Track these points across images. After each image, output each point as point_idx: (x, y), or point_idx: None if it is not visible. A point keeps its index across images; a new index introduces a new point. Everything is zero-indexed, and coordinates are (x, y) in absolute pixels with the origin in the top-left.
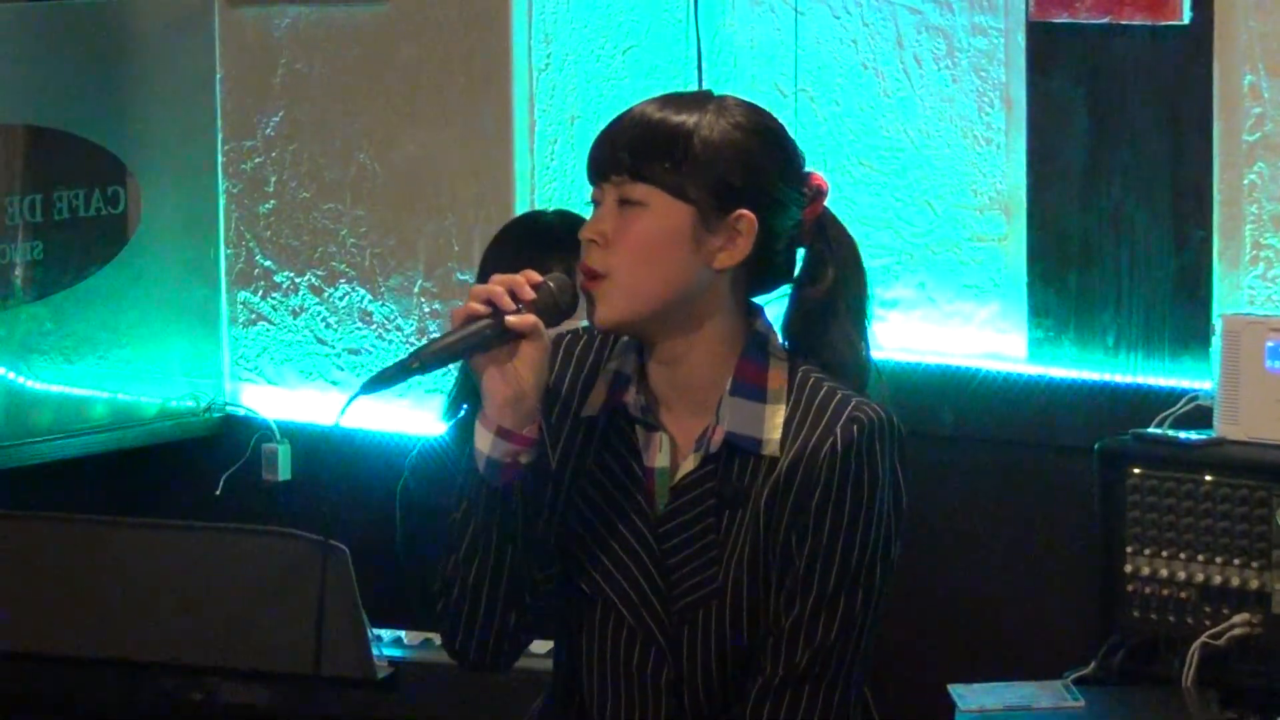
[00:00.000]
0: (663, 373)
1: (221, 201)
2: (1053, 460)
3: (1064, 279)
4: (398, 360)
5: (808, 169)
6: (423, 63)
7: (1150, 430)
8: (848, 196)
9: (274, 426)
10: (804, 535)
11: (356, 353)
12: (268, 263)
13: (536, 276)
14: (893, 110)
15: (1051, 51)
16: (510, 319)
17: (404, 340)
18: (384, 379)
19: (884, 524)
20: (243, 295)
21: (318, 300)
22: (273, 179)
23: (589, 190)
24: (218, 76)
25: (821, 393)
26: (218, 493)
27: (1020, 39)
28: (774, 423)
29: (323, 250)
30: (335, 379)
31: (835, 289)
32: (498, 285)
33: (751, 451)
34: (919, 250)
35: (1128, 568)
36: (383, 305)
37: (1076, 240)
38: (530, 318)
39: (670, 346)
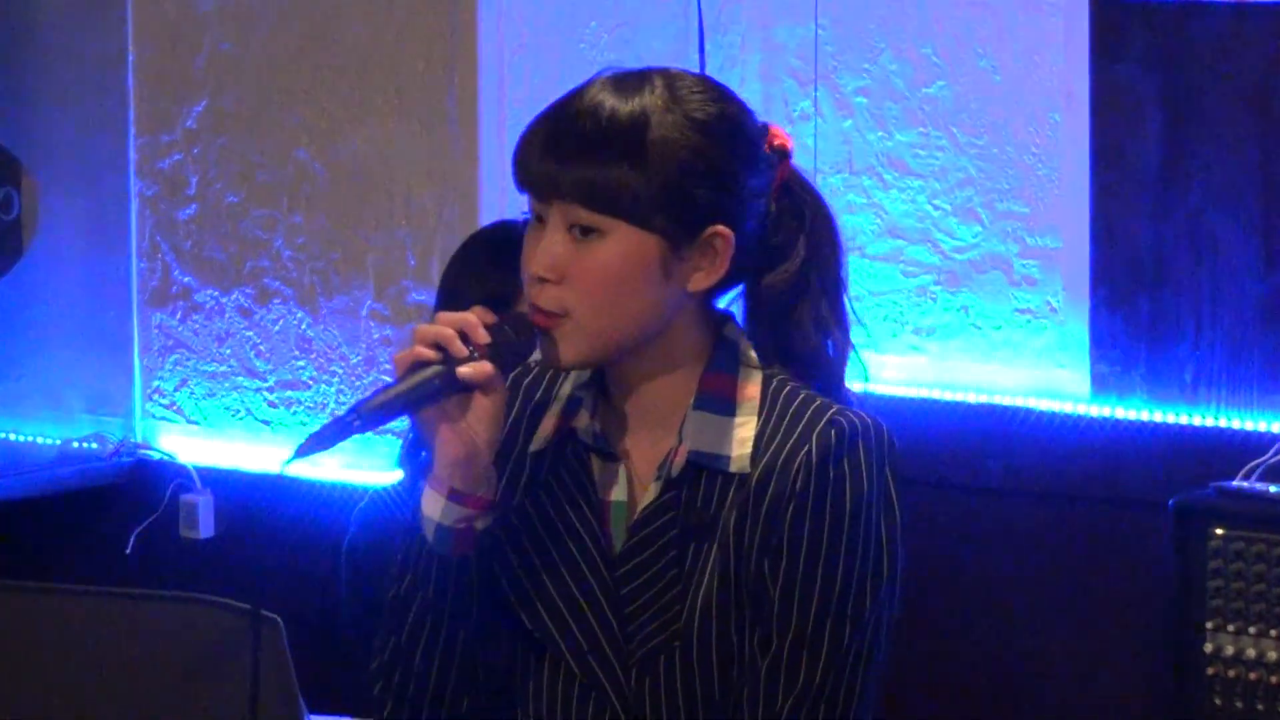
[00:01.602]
0: (619, 393)
1: (133, 206)
2: (1119, 518)
3: (1133, 303)
4: (335, 417)
5: (763, 123)
6: (374, 42)
7: (1235, 483)
8: (876, 204)
9: (194, 474)
10: (777, 560)
11: (293, 387)
12: (188, 279)
13: (490, 315)
14: (930, 103)
15: (1119, 34)
16: (463, 370)
17: (349, 372)
18: (320, 440)
19: (872, 546)
20: (158, 317)
21: (247, 324)
22: (194, 180)
23: (512, 175)
24: (129, 59)
25: (798, 400)
26: (128, 551)
27: (1083, 20)
28: (743, 436)
29: (254, 265)
30: (267, 417)
31: (807, 266)
32: (447, 326)
33: (719, 471)
34: (961, 268)
35: (1208, 647)
36: (325, 330)
37: (1148, 257)
38: (486, 366)
39: (632, 369)
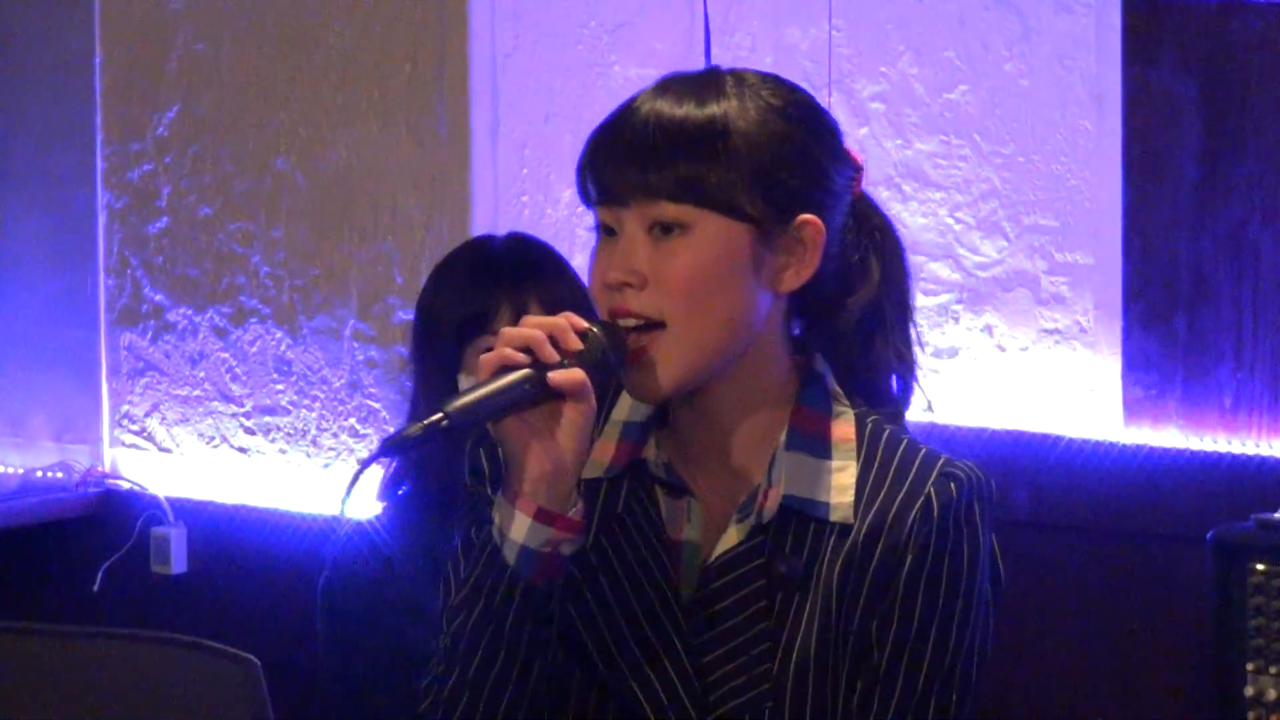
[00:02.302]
0: (695, 424)
1: (101, 220)
2: (1154, 552)
3: (1170, 322)
4: (425, 421)
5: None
6: (357, 43)
7: (1278, 515)
8: (894, 216)
9: (166, 505)
10: (887, 621)
11: (271, 412)
12: (159, 297)
13: (581, 322)
14: (953, 109)
15: (1155, 35)
16: (554, 376)
17: (331, 396)
18: (404, 442)
19: (982, 610)
20: (127, 338)
21: (222, 345)
22: (166, 191)
23: (568, 207)
24: (97, 61)
25: (902, 447)
26: (95, 588)
27: (1115, 19)
28: (843, 483)
29: (229, 281)
30: (244, 444)
31: (881, 293)
32: (536, 330)
33: (815, 518)
34: (986, 285)
35: (1249, 690)
36: (305, 351)
37: (1186, 273)
38: (578, 374)
39: (715, 398)
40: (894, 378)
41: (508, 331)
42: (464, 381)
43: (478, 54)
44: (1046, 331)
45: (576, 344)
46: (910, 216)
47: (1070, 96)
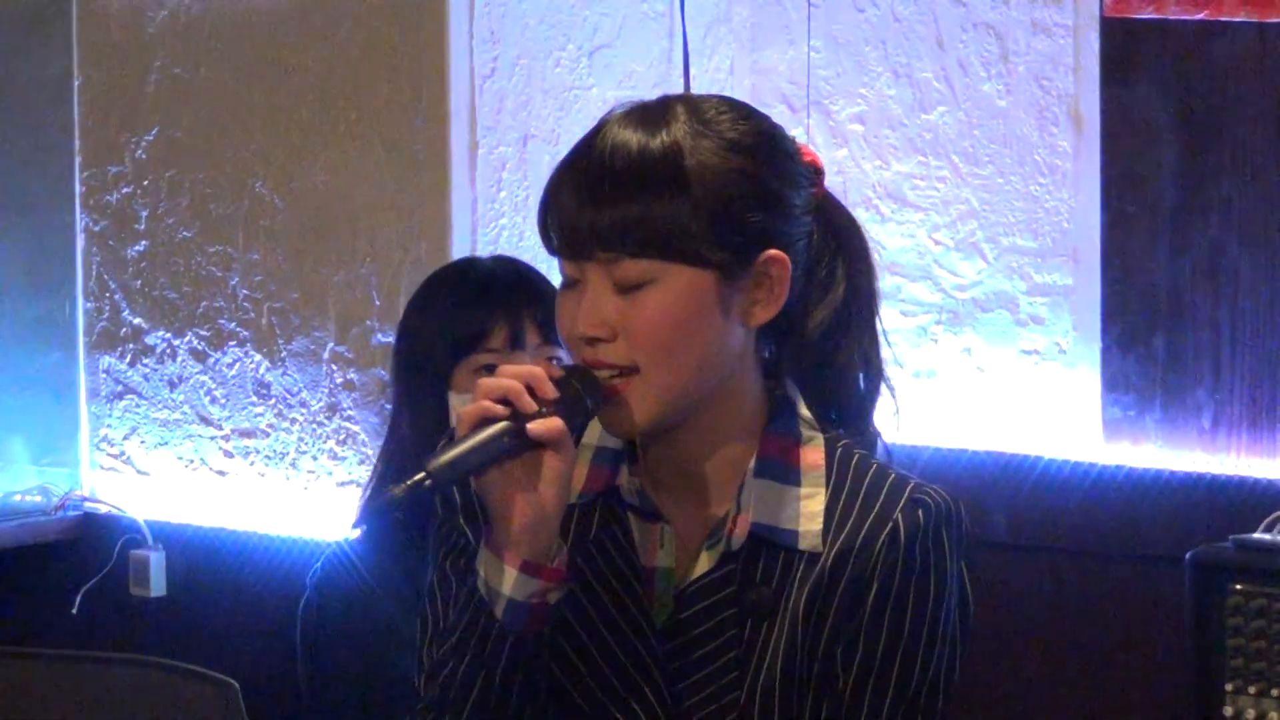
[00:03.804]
0: (666, 452)
1: (79, 243)
2: (1132, 573)
3: (1148, 343)
4: (408, 481)
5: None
6: (336, 68)
7: (1256, 536)
8: (872, 238)
9: (145, 528)
10: (853, 647)
11: (250, 435)
12: (137, 320)
13: (556, 369)
14: (930, 130)
15: (1133, 56)
16: (533, 427)
17: (310, 419)
18: (390, 504)
19: (950, 639)
20: (106, 361)
21: (201, 368)
22: (144, 214)
23: (540, 237)
24: (75, 84)
25: (871, 473)
26: (74, 611)
27: (1093, 39)
28: (812, 510)
29: (208, 305)
30: (223, 467)
31: (848, 296)
32: (513, 379)
33: (784, 546)
34: (965, 306)
35: (1228, 710)
36: (284, 375)
37: (1165, 294)
38: (557, 423)
39: (688, 428)
40: (864, 387)
41: (485, 382)
42: (454, 400)
43: (456, 76)
44: (1025, 352)
45: (553, 392)
46: (889, 237)
47: (1048, 117)
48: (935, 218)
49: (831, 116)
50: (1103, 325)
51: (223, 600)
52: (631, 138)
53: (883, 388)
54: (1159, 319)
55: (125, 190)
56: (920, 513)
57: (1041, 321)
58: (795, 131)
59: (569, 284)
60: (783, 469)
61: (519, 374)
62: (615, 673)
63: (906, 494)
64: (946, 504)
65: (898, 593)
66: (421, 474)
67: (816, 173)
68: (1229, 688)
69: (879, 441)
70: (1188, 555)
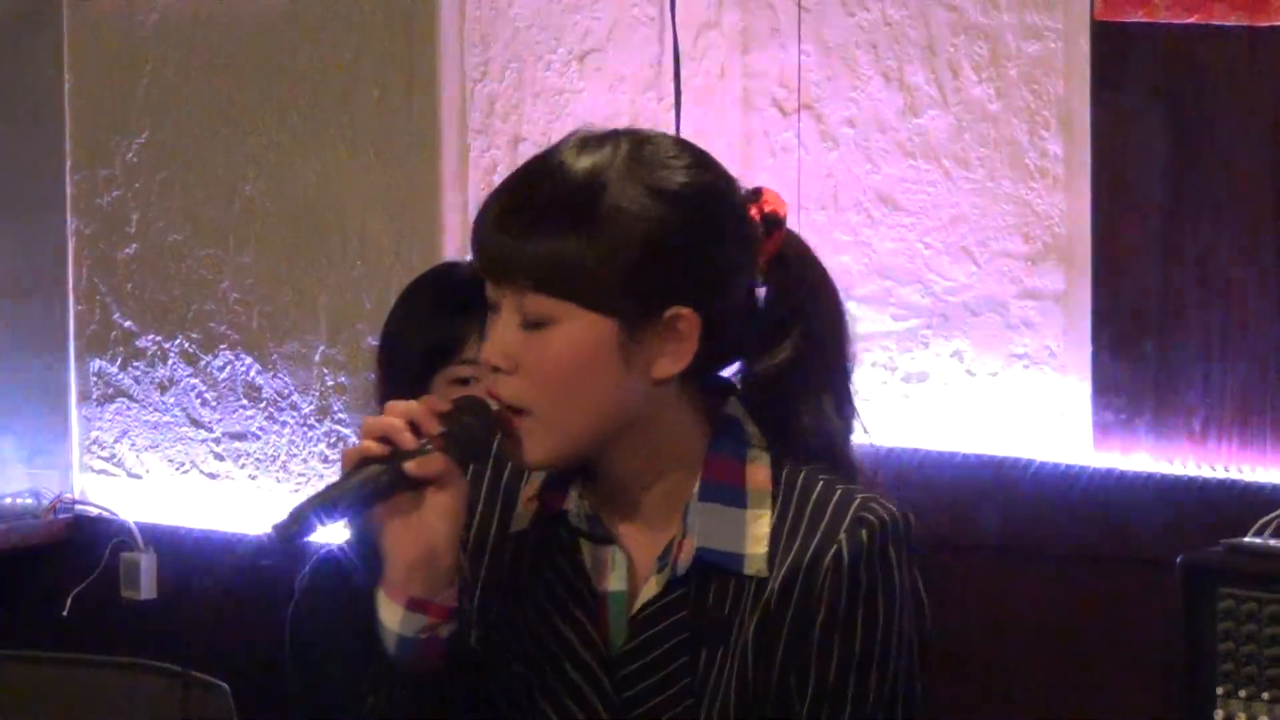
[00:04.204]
0: (610, 477)
1: (70, 246)
2: (1123, 577)
3: (1139, 347)
4: (276, 523)
5: (755, 188)
6: (326, 69)
7: (1247, 540)
8: (864, 241)
9: (135, 531)
10: (804, 673)
11: (241, 438)
12: (128, 323)
13: (444, 404)
14: (921, 134)
15: (1124, 60)
16: (410, 465)
17: (300, 422)
18: (273, 547)
19: (905, 653)
20: (96, 364)
21: (191, 371)
22: (135, 217)
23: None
24: (65, 87)
25: (817, 490)
26: (65, 613)
27: (1084, 44)
28: (758, 533)
29: (198, 308)
30: (213, 470)
31: (800, 354)
32: (396, 416)
33: (732, 571)
34: (955, 310)
35: (1219, 714)
36: (274, 378)
37: (1155, 298)
38: (436, 461)
39: (617, 460)
40: (827, 436)
41: (367, 421)
42: None
43: (447, 80)
44: (1016, 356)
45: (436, 428)
46: (880, 241)
47: (1039, 121)
48: (926, 221)
49: (822, 120)
50: (1093, 329)
51: (213, 603)
52: (563, 165)
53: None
54: (1150, 323)
55: (116, 193)
56: (864, 532)
57: (1032, 325)
58: (785, 135)
59: (491, 307)
60: (728, 491)
61: (403, 410)
62: (570, 697)
63: (851, 513)
64: (893, 518)
65: (845, 615)
66: (290, 522)
67: (775, 222)
68: (1220, 691)
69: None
70: (1179, 559)
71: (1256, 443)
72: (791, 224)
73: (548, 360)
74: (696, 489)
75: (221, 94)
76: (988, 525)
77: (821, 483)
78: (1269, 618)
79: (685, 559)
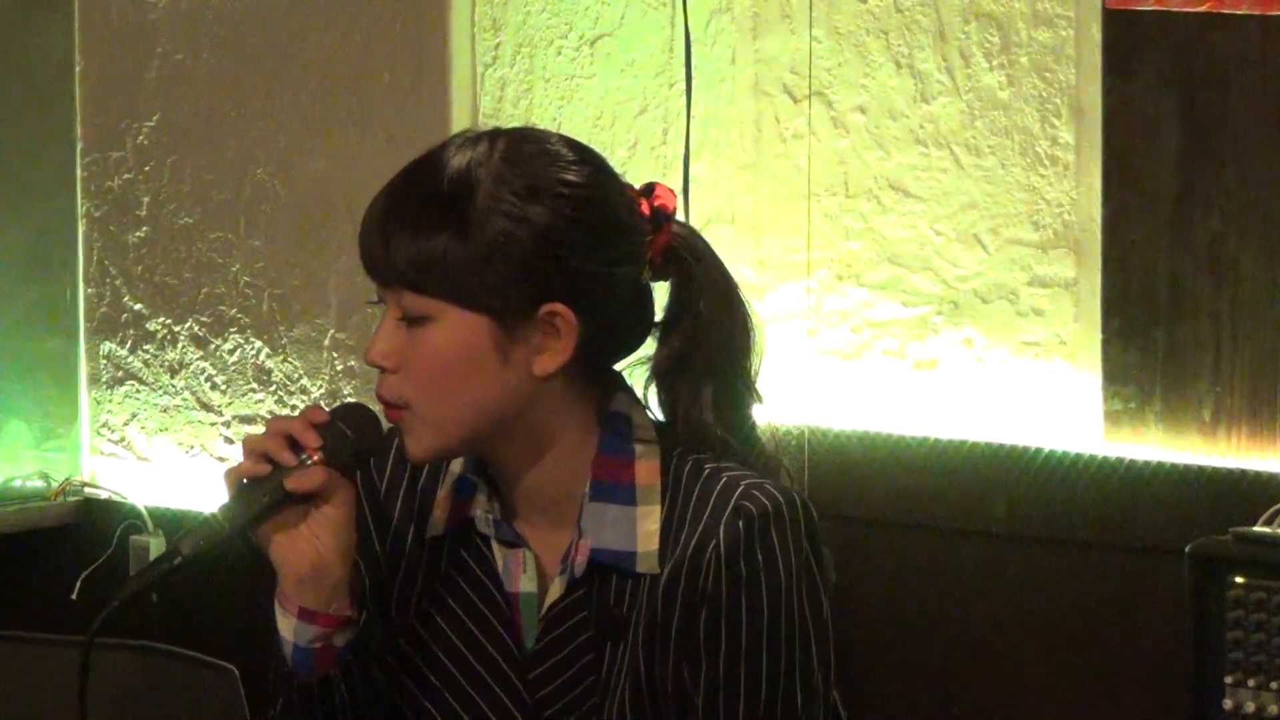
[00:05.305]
0: (509, 483)
1: (80, 228)
2: (1132, 565)
3: (1149, 335)
4: (157, 557)
5: (648, 183)
6: (337, 54)
7: (1257, 529)
8: (874, 229)
9: (145, 514)
10: (697, 664)
11: (250, 421)
12: (138, 306)
13: (324, 414)
14: (933, 120)
15: (1135, 48)
16: (291, 481)
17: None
18: (136, 590)
19: (797, 637)
20: (106, 347)
21: (202, 354)
22: (145, 200)
23: None
24: (76, 69)
25: (701, 480)
26: (74, 596)
27: (1095, 31)
28: (648, 529)
29: (209, 291)
30: (223, 453)
31: (692, 344)
32: (275, 432)
33: (627, 570)
34: (965, 298)
35: (1227, 703)
36: (285, 361)
37: (1165, 286)
38: (316, 475)
39: (507, 459)
40: (723, 424)
41: (247, 439)
42: None
43: (457, 64)
44: (1026, 344)
45: (315, 441)
46: (890, 228)
47: (1050, 109)
48: (936, 208)
49: (833, 106)
50: (1103, 317)
51: (222, 586)
52: (438, 166)
53: (751, 426)
54: (1160, 311)
55: (126, 176)
56: (741, 523)
57: (1042, 313)
58: (795, 122)
59: (380, 303)
60: (618, 490)
61: (280, 427)
62: (483, 698)
63: (731, 502)
64: (776, 502)
65: (729, 606)
66: (172, 556)
67: (664, 216)
68: (1228, 680)
69: (779, 466)
70: (1187, 548)
71: (1266, 431)
72: (801, 211)
73: (424, 358)
74: (587, 489)
75: (232, 77)
76: (996, 513)
77: (707, 472)
78: (1277, 606)
79: (581, 561)
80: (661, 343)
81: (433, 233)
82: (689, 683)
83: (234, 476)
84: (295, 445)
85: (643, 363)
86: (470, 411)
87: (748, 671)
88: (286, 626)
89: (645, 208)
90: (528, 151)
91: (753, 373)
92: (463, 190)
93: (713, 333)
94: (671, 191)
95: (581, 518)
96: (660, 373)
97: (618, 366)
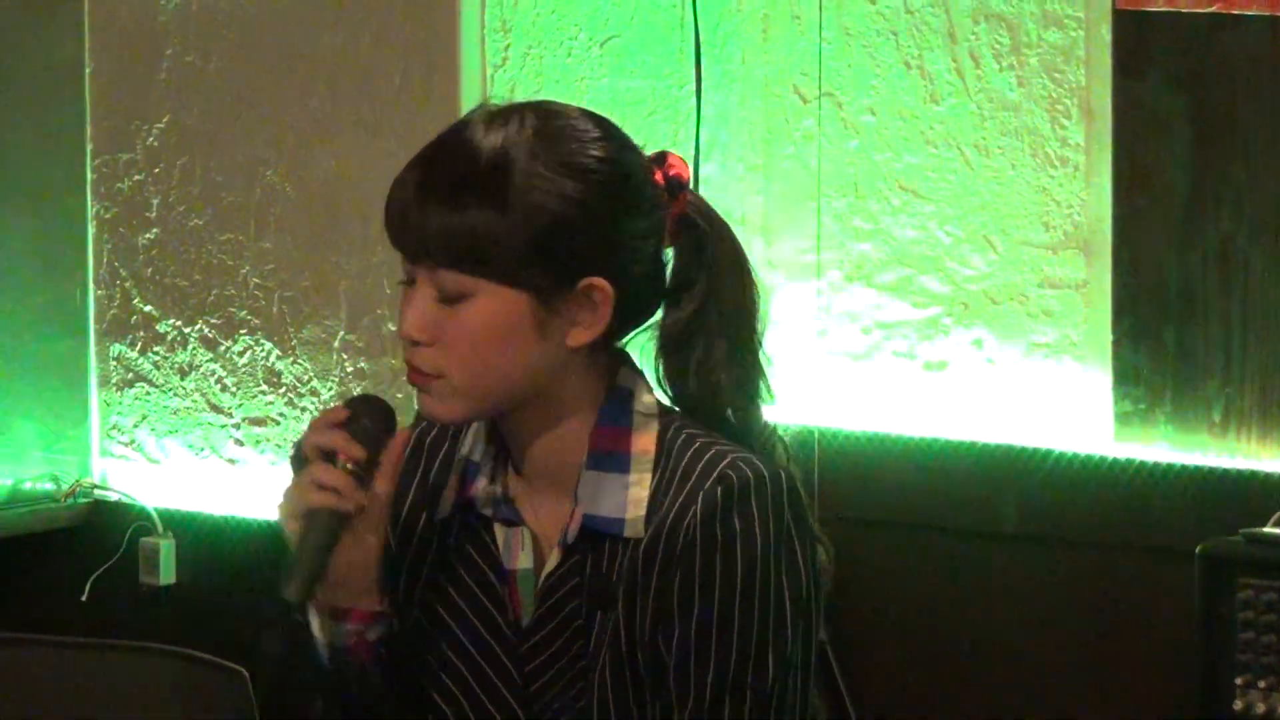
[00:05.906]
0: (519, 455)
1: (90, 230)
2: (1143, 567)
3: (1159, 336)
4: (284, 624)
5: (659, 152)
6: (347, 56)
7: (1268, 530)
8: (884, 230)
9: (154, 516)
10: (670, 628)
11: (261, 423)
12: (148, 308)
13: (342, 412)
14: (943, 121)
15: (1145, 48)
16: (359, 520)
17: (321, 407)
18: (285, 657)
19: (771, 608)
20: (117, 349)
21: (212, 356)
22: (155, 202)
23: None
24: (86, 71)
25: (690, 451)
26: (84, 598)
27: (1105, 32)
28: (638, 496)
29: (219, 293)
30: (233, 455)
31: (707, 304)
32: (317, 462)
33: (616, 535)
34: (975, 299)
35: (1238, 704)
36: (294, 363)
37: (1175, 287)
38: (362, 494)
39: (522, 423)
40: (731, 388)
41: (313, 472)
42: None
43: (467, 65)
44: (1036, 345)
45: (360, 453)
46: (900, 229)
47: (1060, 110)
48: (946, 209)
49: (843, 107)
50: (1113, 318)
51: (232, 588)
52: (470, 145)
53: (761, 388)
54: (1170, 312)
55: (136, 178)
56: (720, 489)
57: (1053, 314)
58: (805, 122)
59: (407, 281)
60: (613, 459)
61: (321, 444)
62: (475, 676)
63: (716, 471)
64: (759, 475)
65: (702, 570)
66: (291, 610)
67: (679, 185)
68: (1239, 682)
69: (777, 442)
70: (1198, 549)
71: (1276, 432)
72: (811, 212)
73: (465, 334)
74: (584, 459)
75: (242, 79)
76: (1006, 514)
77: (699, 443)
78: None
79: (575, 527)
80: (672, 308)
81: (472, 210)
82: (662, 647)
83: (298, 510)
84: (331, 456)
85: (647, 333)
86: (505, 382)
87: (719, 637)
88: (320, 627)
89: (660, 177)
90: (558, 128)
91: (760, 335)
92: (500, 168)
93: (725, 293)
94: (683, 160)
95: (579, 487)
96: (672, 336)
97: (627, 337)
